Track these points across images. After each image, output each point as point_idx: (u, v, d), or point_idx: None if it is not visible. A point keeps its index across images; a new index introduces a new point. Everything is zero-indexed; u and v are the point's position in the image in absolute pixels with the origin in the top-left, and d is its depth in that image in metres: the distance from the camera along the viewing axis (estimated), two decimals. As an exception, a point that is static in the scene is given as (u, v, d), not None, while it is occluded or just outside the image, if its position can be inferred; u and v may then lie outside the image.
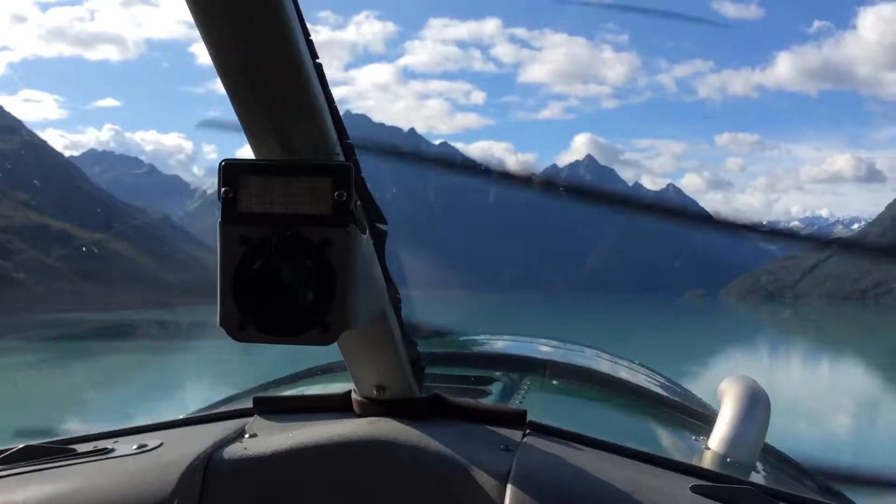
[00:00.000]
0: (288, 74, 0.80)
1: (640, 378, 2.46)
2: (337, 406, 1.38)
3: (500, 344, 2.75)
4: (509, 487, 1.08)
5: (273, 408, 1.42)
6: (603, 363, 2.51)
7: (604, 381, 2.25)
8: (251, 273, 0.85)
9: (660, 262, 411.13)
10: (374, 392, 1.30)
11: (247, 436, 1.28)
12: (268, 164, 0.87)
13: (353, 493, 1.17)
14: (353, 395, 1.35)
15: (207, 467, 1.18)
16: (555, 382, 2.10)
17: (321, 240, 0.85)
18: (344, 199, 0.85)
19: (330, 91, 0.89)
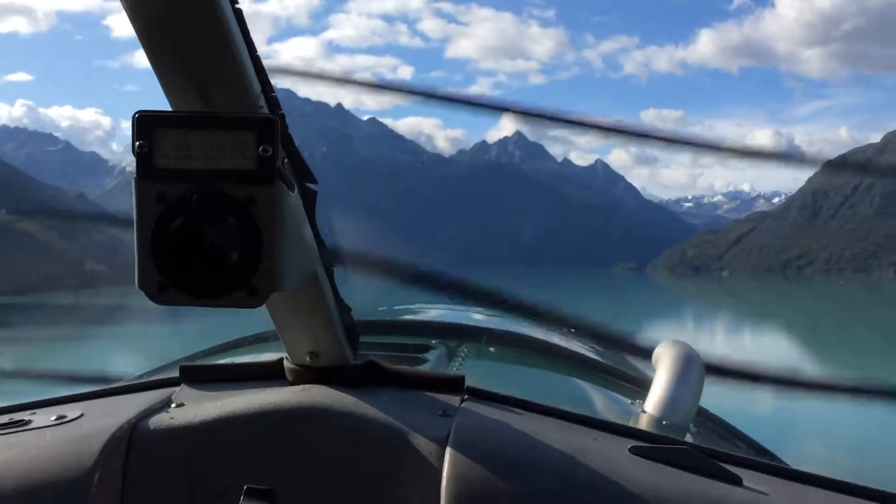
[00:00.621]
0: (204, 18, 0.77)
1: (574, 346, 2.47)
2: (268, 374, 1.34)
3: (436, 312, 2.74)
4: (448, 452, 1.07)
5: (201, 377, 1.37)
6: (539, 331, 2.52)
7: (540, 347, 2.26)
8: (170, 233, 0.81)
9: (589, 236, 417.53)
10: (307, 359, 1.27)
11: (173, 405, 1.24)
12: (186, 115, 0.82)
13: (285, 462, 1.13)
14: (286, 363, 1.31)
15: (131, 438, 1.14)
16: (492, 350, 2.09)
17: (246, 197, 0.81)
18: (269, 154, 0.81)
19: (252, 41, 0.85)
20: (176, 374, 1.38)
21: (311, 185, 1.02)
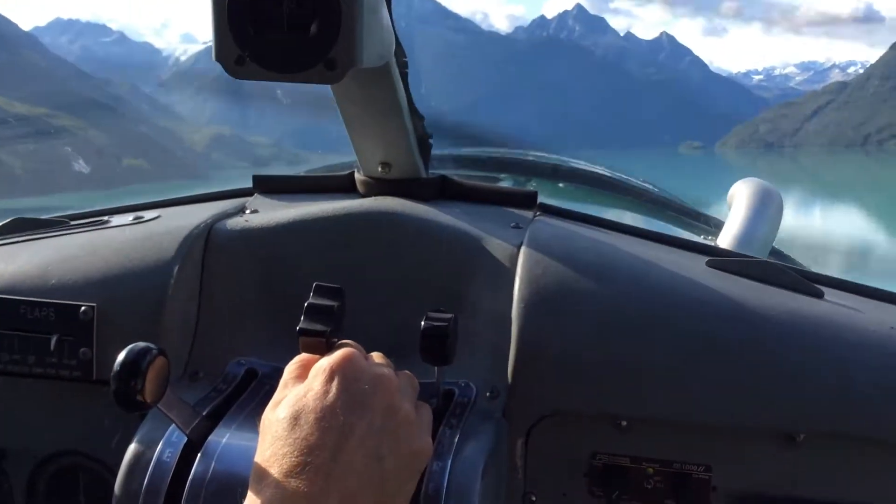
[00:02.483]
0: None
1: (649, 186, 2.43)
2: (340, 186, 1.36)
3: (514, 154, 2.68)
4: (521, 255, 1.08)
5: (273, 187, 1.40)
6: (612, 173, 2.44)
7: (614, 186, 2.23)
8: (247, 3, 0.80)
9: (654, 115, 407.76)
10: (379, 169, 1.28)
11: (248, 211, 1.28)
12: None
13: (357, 265, 1.15)
14: (357, 175, 1.33)
15: (208, 237, 1.18)
16: (563, 185, 2.11)
17: None
18: None
19: None
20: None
21: None
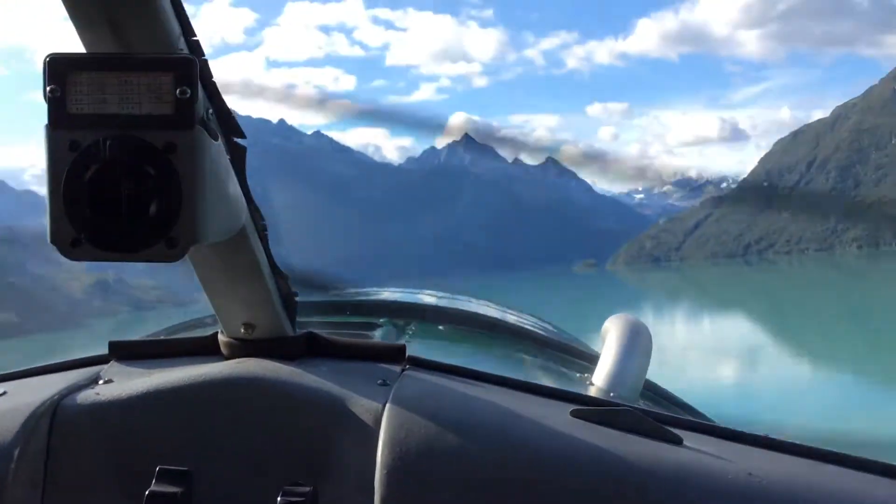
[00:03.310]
0: None
1: (526, 322, 2.46)
2: (202, 349, 1.31)
3: (386, 294, 2.70)
4: (385, 417, 1.07)
5: (131, 352, 1.33)
6: (491, 310, 2.48)
7: (490, 325, 2.23)
8: (83, 183, 0.77)
9: (546, 236, 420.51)
10: (242, 331, 1.24)
11: (101, 382, 1.21)
12: (100, 56, 0.80)
13: (219, 435, 1.12)
14: (220, 337, 1.29)
15: (55, 413, 1.11)
16: (440, 327, 2.10)
17: (164, 144, 0.78)
18: (188, 96, 0.78)
19: None
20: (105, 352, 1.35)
21: (239, 140, 0.99)
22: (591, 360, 1.92)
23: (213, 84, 0.89)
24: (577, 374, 1.83)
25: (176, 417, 1.12)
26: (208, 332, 1.60)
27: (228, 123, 0.95)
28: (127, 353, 1.33)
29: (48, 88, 0.78)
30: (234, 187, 0.97)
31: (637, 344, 1.72)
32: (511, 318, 2.45)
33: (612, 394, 1.57)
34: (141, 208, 0.78)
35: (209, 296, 1.20)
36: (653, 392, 1.98)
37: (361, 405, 1.11)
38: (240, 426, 1.12)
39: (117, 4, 0.78)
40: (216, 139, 0.86)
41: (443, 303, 2.46)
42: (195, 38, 0.88)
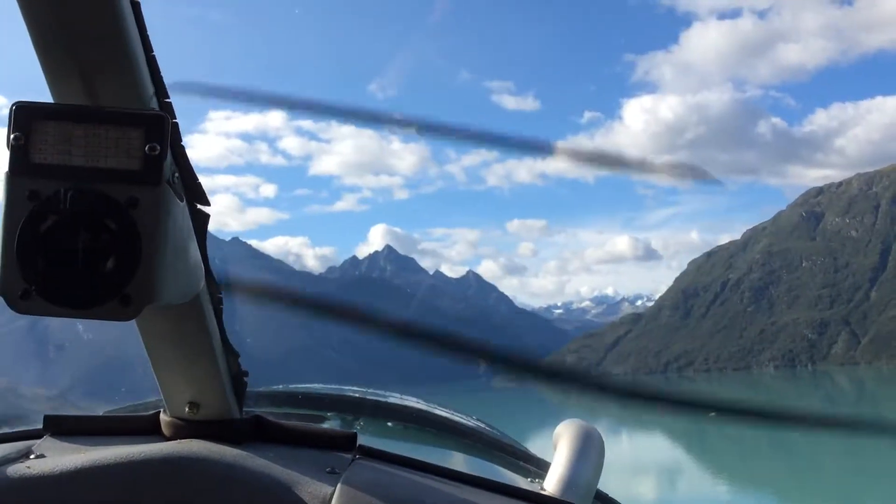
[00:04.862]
0: (97, 5, 0.73)
1: (475, 425, 2.48)
2: (143, 428, 1.26)
3: (335, 389, 2.69)
4: None
5: (67, 428, 1.28)
6: (440, 411, 2.48)
7: (440, 424, 2.26)
8: (39, 234, 0.75)
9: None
10: (187, 410, 1.21)
11: (32, 456, 1.16)
12: (69, 108, 0.78)
13: None
14: (162, 416, 1.25)
15: None
16: (389, 424, 2.11)
17: (127, 198, 0.76)
18: (157, 153, 0.77)
19: (148, 38, 0.81)
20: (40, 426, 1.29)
21: (204, 207, 0.97)
22: (541, 465, 1.94)
23: (182, 148, 0.87)
24: (529, 480, 1.83)
25: (111, 497, 1.07)
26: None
27: (194, 188, 0.93)
28: (62, 428, 1.28)
29: (12, 136, 0.77)
30: (195, 252, 0.96)
31: (590, 450, 1.72)
32: (460, 419, 2.45)
33: (563, 500, 1.58)
34: (97, 263, 0.75)
35: (155, 368, 1.16)
36: (602, 501, 2.00)
37: (309, 492, 1.07)
38: None
39: (91, 56, 0.77)
40: (181, 200, 0.85)
41: (392, 400, 2.45)
42: (168, 100, 0.86)
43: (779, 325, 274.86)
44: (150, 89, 0.83)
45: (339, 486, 1.08)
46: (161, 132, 0.77)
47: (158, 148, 0.77)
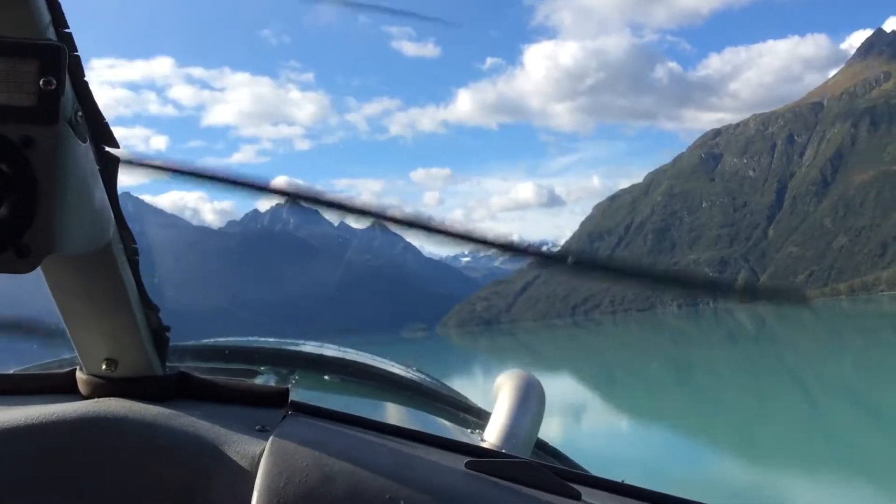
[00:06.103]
0: None
1: (414, 376, 2.47)
2: (57, 387, 1.20)
3: (267, 341, 2.65)
4: (262, 465, 1.01)
5: None
6: (378, 362, 2.47)
7: (378, 376, 2.21)
8: None
9: (377, 300, 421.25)
10: (104, 367, 1.14)
11: None
12: None
13: (72, 483, 1.03)
14: (78, 374, 1.18)
15: None
16: (326, 378, 2.08)
17: (20, 138, 0.71)
18: (53, 87, 0.71)
19: None
20: None
21: (113, 150, 0.93)
22: (481, 415, 1.93)
23: (86, 84, 0.82)
24: (469, 431, 1.82)
25: (23, 460, 1.03)
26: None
27: (100, 129, 0.89)
28: None
29: None
30: (102, 197, 0.91)
31: (531, 400, 1.72)
32: (398, 370, 2.44)
33: (503, 449, 1.55)
34: None
35: (67, 325, 1.10)
36: (542, 449, 1.98)
37: (236, 451, 1.04)
38: (97, 472, 1.03)
39: None
40: (84, 141, 0.80)
41: (328, 353, 2.40)
42: (67, 31, 0.80)
43: (681, 264, 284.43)
44: (47, 17, 0.76)
45: (268, 444, 1.05)
46: (57, 65, 0.71)
47: (55, 82, 0.71)
